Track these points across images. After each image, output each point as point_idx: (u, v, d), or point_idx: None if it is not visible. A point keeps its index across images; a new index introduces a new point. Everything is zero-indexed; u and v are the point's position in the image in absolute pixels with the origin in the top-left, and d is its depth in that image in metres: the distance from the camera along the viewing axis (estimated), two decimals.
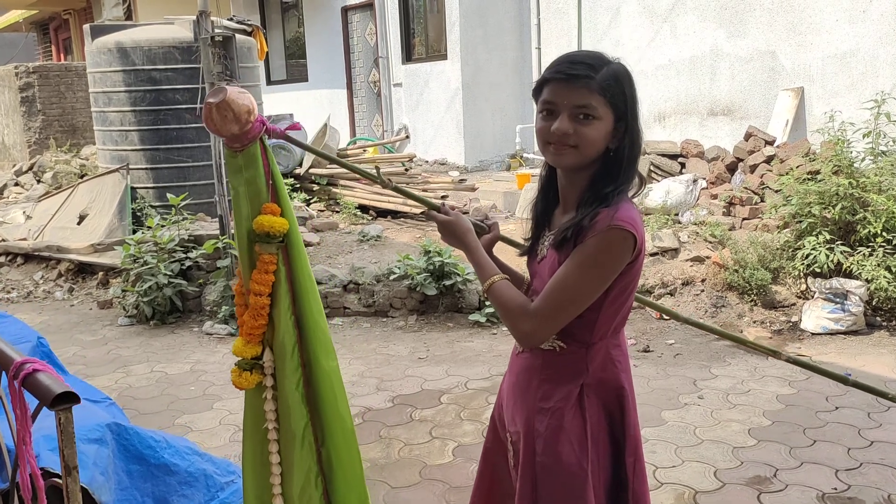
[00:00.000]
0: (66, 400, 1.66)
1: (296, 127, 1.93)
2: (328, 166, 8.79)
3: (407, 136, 11.90)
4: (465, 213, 1.93)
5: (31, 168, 11.37)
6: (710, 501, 3.36)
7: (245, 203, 1.79)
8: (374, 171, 2.00)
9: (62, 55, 20.66)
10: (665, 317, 5.80)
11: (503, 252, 2.09)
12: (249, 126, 1.74)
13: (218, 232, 6.25)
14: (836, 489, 3.42)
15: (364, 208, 8.25)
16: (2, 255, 8.25)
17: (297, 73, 14.66)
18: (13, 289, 7.63)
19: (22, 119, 13.16)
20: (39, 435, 2.21)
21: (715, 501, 3.36)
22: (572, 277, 1.67)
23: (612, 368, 1.80)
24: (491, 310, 5.83)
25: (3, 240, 8.47)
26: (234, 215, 1.83)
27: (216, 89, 1.70)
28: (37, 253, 7.99)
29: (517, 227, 6.55)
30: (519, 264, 2.09)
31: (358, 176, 8.51)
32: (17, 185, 10.92)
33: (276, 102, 13.50)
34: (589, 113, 1.68)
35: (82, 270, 7.73)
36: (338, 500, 1.89)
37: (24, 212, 9.25)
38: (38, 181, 10.82)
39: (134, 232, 7.29)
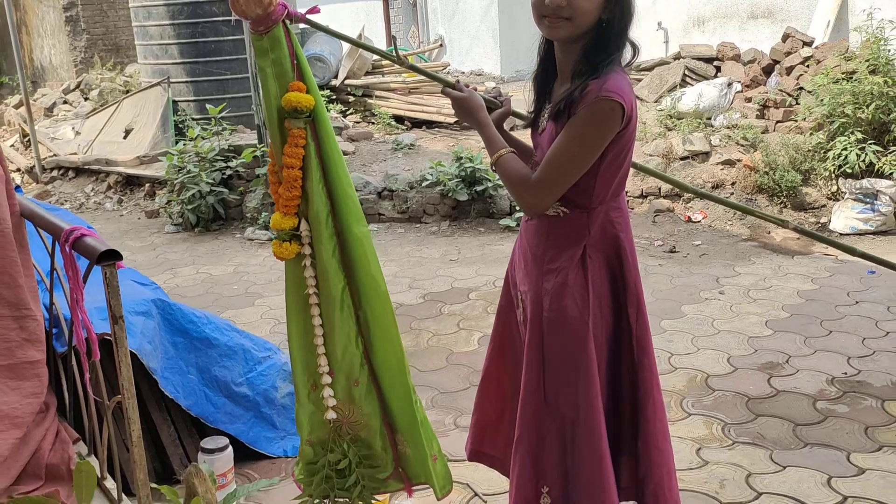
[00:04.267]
0: (111, 257, 1.89)
1: (314, 10, 2.04)
2: (363, 77, 8.86)
3: (441, 45, 11.80)
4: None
5: (77, 86, 11.64)
6: (720, 384, 3.52)
7: (273, 83, 1.92)
8: (395, 55, 2.14)
9: None
10: (693, 219, 5.86)
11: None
12: (272, 8, 1.88)
13: (256, 141, 6.42)
14: (846, 373, 3.55)
15: (399, 119, 8.34)
16: (54, 169, 8.60)
17: None
18: (66, 201, 7.98)
19: (67, 39, 13.37)
20: (92, 307, 2.44)
21: (726, 384, 3.52)
22: (565, 148, 1.81)
23: (611, 229, 1.96)
24: (521, 214, 5.95)
25: (55, 155, 8.80)
26: (263, 95, 1.97)
27: None
28: (86, 167, 8.32)
29: None
30: None
31: (393, 86, 8.58)
32: (65, 102, 11.22)
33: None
34: None
35: (130, 182, 8.04)
36: (377, 357, 2.05)
37: (73, 128, 9.56)
38: (86, 98, 11.09)
39: (176, 143, 7.52)
